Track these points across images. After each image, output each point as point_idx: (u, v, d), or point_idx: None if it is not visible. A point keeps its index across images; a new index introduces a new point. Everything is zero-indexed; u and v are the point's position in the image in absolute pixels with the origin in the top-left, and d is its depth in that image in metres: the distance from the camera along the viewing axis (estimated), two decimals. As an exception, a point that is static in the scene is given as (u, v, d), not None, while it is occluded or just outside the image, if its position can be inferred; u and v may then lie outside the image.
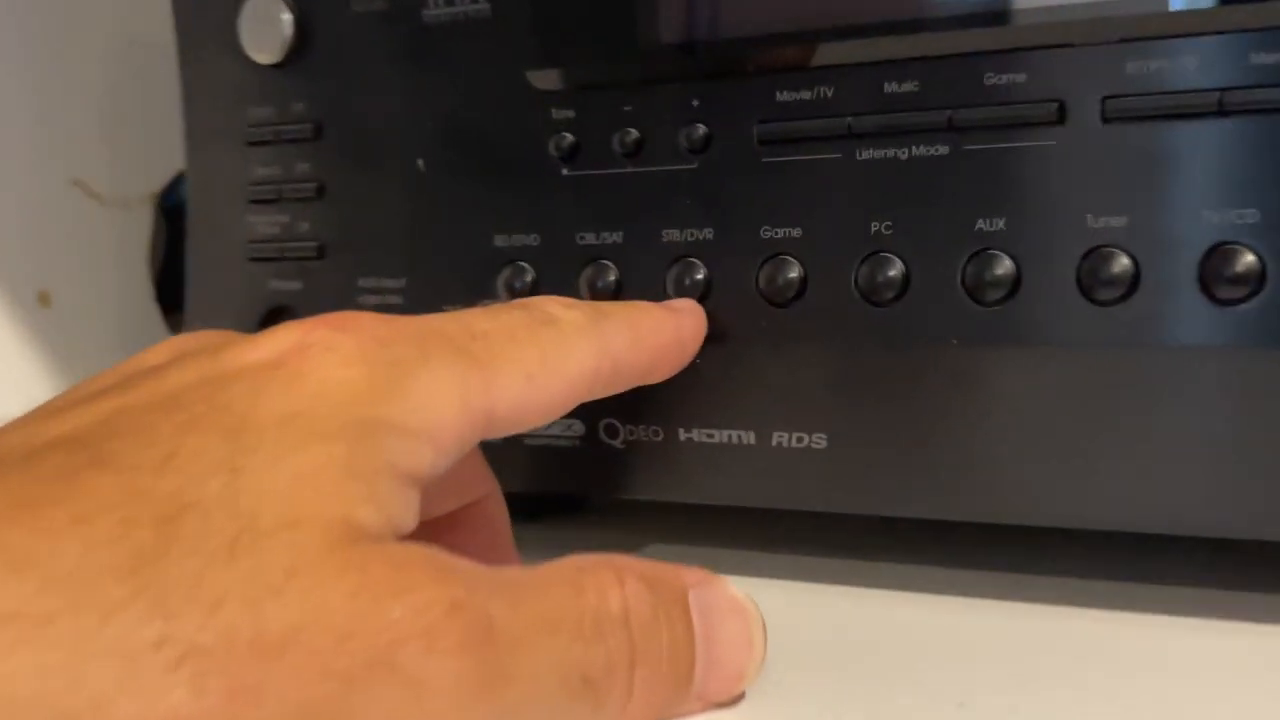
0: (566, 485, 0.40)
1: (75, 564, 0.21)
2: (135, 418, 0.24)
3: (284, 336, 0.26)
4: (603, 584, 0.25)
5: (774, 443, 0.36)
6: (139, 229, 0.62)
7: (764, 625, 0.28)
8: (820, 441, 0.36)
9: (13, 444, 0.24)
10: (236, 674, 0.20)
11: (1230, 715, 0.27)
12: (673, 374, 0.34)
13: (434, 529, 0.32)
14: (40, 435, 0.24)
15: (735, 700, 0.28)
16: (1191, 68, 0.31)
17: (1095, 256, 0.32)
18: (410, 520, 0.25)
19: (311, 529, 0.22)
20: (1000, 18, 0.33)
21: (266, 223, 0.43)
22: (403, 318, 0.28)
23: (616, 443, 0.39)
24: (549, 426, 0.39)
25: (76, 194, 0.58)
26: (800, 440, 0.36)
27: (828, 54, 0.35)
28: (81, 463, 0.23)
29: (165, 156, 0.53)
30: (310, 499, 0.23)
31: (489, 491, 0.34)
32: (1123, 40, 0.32)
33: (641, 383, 0.33)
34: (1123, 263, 0.31)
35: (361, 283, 0.42)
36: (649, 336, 0.33)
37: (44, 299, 0.57)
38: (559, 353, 0.29)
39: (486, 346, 0.28)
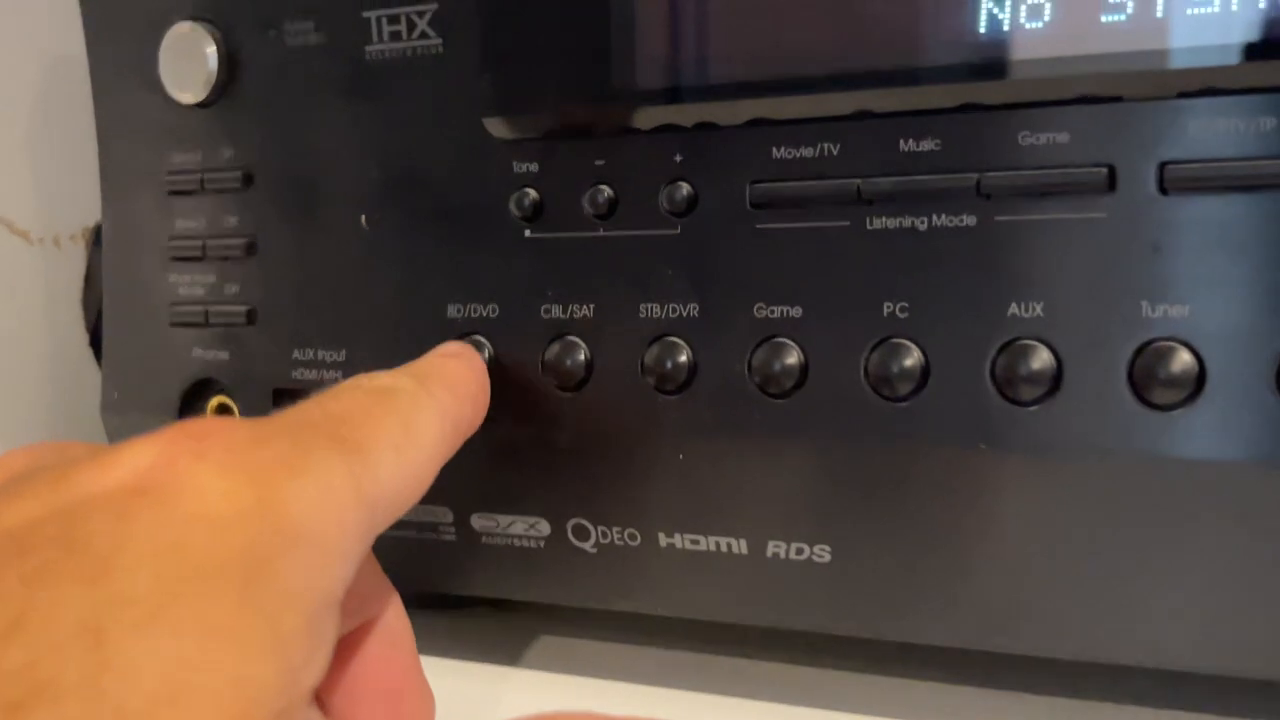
0: (528, 592, 0.35)
1: None
2: None
3: (141, 451, 0.21)
4: None
5: (769, 553, 0.32)
6: (71, 268, 0.56)
7: None
8: (823, 554, 0.31)
9: None
10: None
11: None
12: (480, 424, 0.31)
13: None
14: None
15: None
16: (1269, 129, 0.26)
17: (1152, 351, 0.27)
18: (323, 660, 0.22)
19: (192, 707, 0.18)
20: (1038, 65, 0.28)
21: (190, 282, 0.38)
22: (260, 418, 0.24)
23: (587, 546, 0.34)
24: (510, 525, 0.34)
25: (0, 231, 0.53)
26: (800, 552, 0.31)
27: (834, 104, 0.30)
28: None
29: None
30: (194, 664, 0.19)
31: (387, 605, 0.29)
32: (1185, 95, 0.27)
33: (466, 437, 0.30)
34: (1184, 360, 0.27)
35: (296, 355, 0.36)
36: (461, 387, 0.30)
37: (-38, 348, 0.52)
38: (413, 421, 0.27)
39: (353, 428, 0.25)
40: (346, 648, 0.29)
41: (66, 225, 0.56)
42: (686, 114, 0.31)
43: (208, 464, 0.21)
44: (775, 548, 0.31)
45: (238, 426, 0.23)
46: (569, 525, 0.34)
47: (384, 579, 0.30)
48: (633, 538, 0.33)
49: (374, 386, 0.28)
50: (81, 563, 0.19)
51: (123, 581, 0.19)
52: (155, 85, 0.38)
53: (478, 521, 0.35)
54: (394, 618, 0.30)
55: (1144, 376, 0.27)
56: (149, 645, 0.18)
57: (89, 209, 0.56)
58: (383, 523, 0.25)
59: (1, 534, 0.20)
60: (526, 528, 0.34)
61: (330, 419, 0.25)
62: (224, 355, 0.38)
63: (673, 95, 0.32)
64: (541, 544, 0.34)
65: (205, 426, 0.22)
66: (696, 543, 0.32)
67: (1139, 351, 0.27)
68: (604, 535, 0.33)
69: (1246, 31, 0.26)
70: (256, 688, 0.19)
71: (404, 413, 0.27)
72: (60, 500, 0.21)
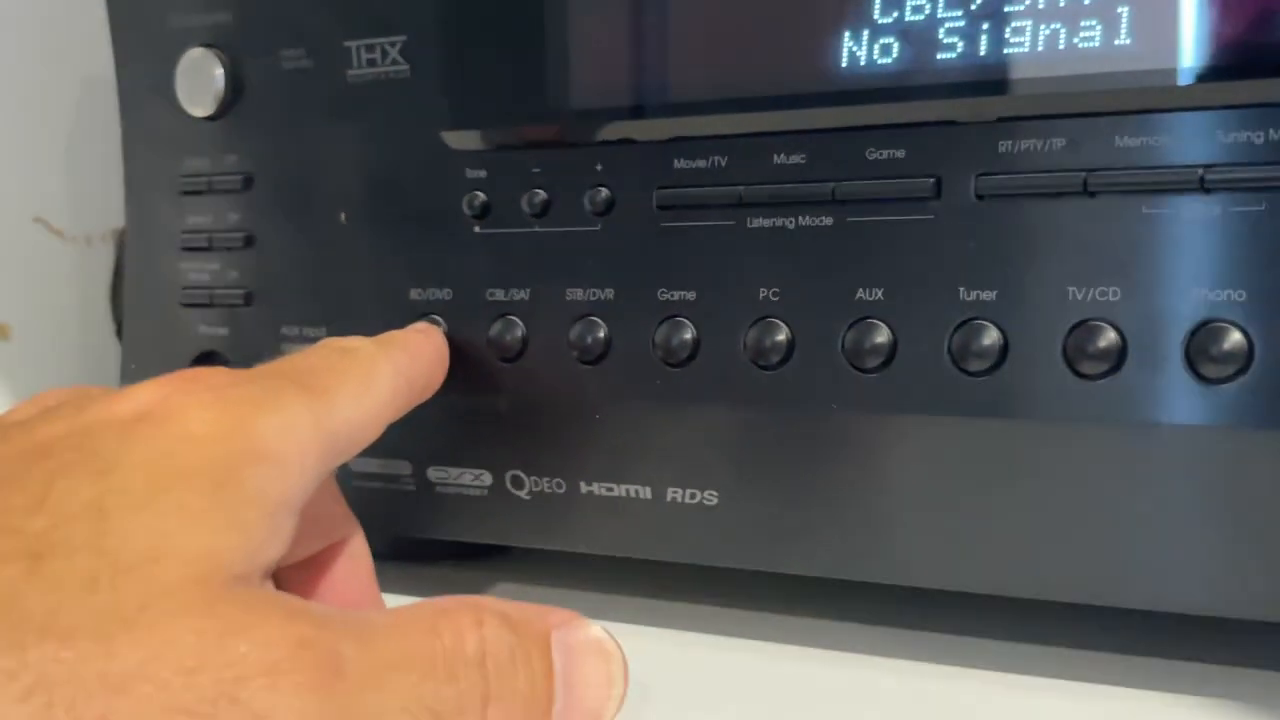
0: (475, 534, 0.41)
1: None
2: (7, 466, 0.26)
3: (145, 390, 0.27)
4: (459, 626, 0.26)
5: (669, 498, 0.37)
6: (100, 265, 0.63)
7: (625, 665, 0.29)
8: (711, 498, 0.37)
9: None
10: (83, 705, 0.21)
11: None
12: (438, 386, 0.37)
13: (298, 571, 0.34)
14: None
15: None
16: (1059, 148, 0.32)
17: (967, 329, 0.33)
18: (278, 546, 0.27)
19: (171, 564, 0.24)
20: (885, 94, 0.34)
21: (198, 270, 0.45)
22: (244, 370, 0.30)
23: (522, 494, 0.40)
24: (459, 476, 0.40)
25: (38, 230, 0.60)
26: (693, 497, 0.37)
27: (722, 124, 0.36)
28: None
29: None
30: (174, 534, 0.24)
31: (352, 533, 0.35)
32: (999, 120, 0.33)
33: (422, 398, 0.36)
34: (992, 335, 0.32)
35: (284, 330, 0.43)
36: (420, 353, 0.36)
37: (3, 332, 0.58)
38: (370, 376, 0.32)
39: (318, 378, 0.30)
40: (317, 565, 0.35)
41: (98, 226, 0.62)
42: (608, 131, 0.38)
43: (194, 399, 0.27)
44: (673, 493, 0.37)
45: (222, 374, 0.29)
46: (507, 476, 0.40)
47: (348, 511, 0.36)
48: (559, 486, 0.39)
49: (340, 346, 0.34)
50: (92, 463, 0.25)
51: (123, 477, 0.25)
52: (172, 101, 0.44)
53: (433, 473, 0.41)
54: (357, 544, 0.36)
55: (960, 350, 0.33)
56: (140, 521, 0.24)
57: (117, 212, 0.62)
58: (343, 452, 0.31)
59: (35, 443, 0.26)
60: (473, 478, 0.40)
61: (299, 370, 0.31)
62: (224, 331, 0.44)
63: (596, 115, 0.38)
64: (485, 492, 0.40)
65: (197, 373, 0.29)
66: (611, 490, 0.38)
67: (957, 328, 0.33)
68: (535, 484, 0.39)
69: (1047, 68, 0.32)
70: (222, 553, 0.25)
71: (363, 366, 0.32)
72: (80, 422, 0.27)
